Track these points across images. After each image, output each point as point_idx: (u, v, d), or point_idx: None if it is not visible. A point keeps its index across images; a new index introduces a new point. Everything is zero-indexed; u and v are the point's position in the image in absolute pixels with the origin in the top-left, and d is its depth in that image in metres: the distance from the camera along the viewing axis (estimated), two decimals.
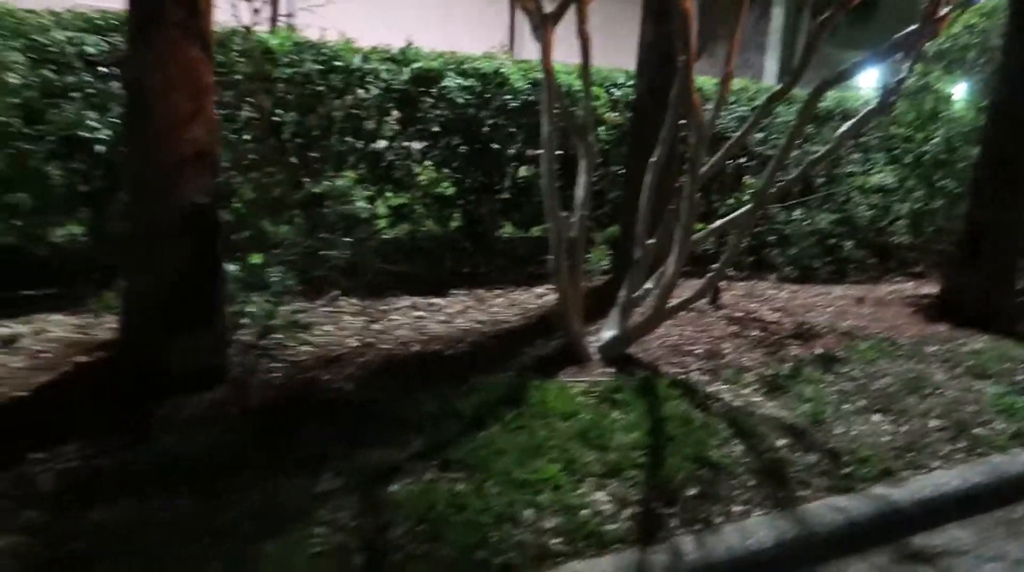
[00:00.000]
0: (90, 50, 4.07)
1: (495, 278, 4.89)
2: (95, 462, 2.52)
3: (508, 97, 5.27)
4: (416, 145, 5.06)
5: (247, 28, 3.99)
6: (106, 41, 4.10)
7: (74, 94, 4.04)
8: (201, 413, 2.88)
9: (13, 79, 3.87)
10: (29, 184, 3.94)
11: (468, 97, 5.10)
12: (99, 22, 4.17)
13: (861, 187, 6.10)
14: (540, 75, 5.23)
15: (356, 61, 4.75)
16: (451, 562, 2.20)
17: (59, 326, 3.45)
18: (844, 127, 3.67)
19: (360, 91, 4.77)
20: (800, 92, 4.48)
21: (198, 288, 3.05)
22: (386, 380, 3.31)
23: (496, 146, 5.31)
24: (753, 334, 4.29)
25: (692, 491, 2.67)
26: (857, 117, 3.63)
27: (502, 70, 5.29)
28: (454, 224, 5.32)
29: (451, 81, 5.05)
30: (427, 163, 5.01)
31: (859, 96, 6.99)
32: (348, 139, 4.72)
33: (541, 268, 4.60)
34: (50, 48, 4.01)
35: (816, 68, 3.49)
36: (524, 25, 8.55)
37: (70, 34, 4.06)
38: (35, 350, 3.19)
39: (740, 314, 4.64)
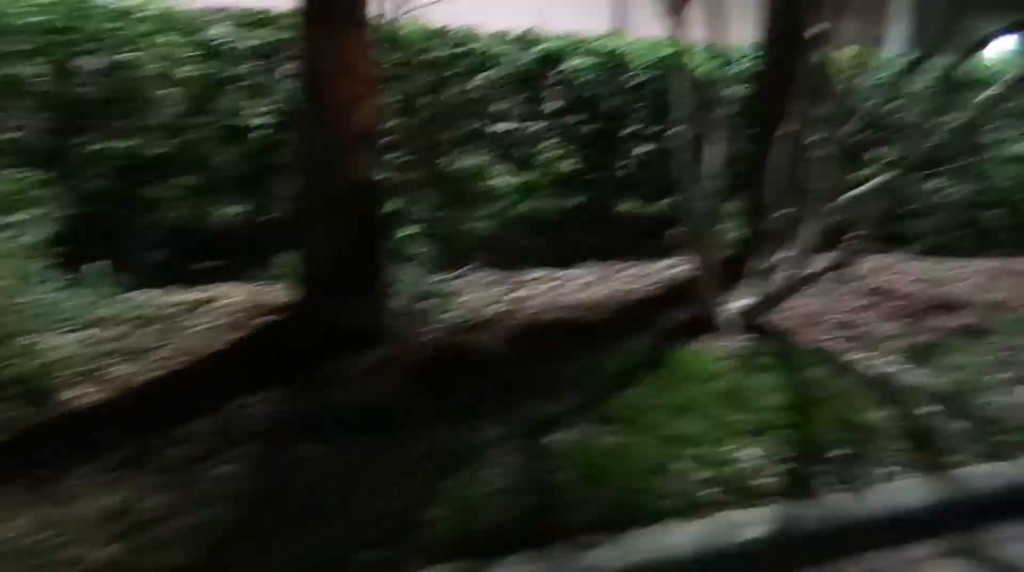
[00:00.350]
0: (248, 44, 4.45)
1: (618, 252, 5.00)
2: (285, 408, 2.85)
3: (627, 76, 5.35)
4: (538, 124, 5.23)
5: (395, 18, 4.26)
6: (261, 36, 4.47)
7: (234, 85, 4.45)
8: (368, 368, 3.15)
9: (184, 72, 4.29)
10: (198, 168, 4.38)
11: (588, 77, 5.22)
12: (255, 19, 4.55)
13: (1001, 156, 5.79)
14: (657, 55, 5.36)
15: (482, 45, 4.97)
16: (611, 506, 2.35)
17: (234, 293, 3.83)
18: (986, 94, 3.56)
19: (486, 74, 4.99)
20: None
21: (364, 257, 3.34)
22: (529, 344, 3.50)
23: (615, 124, 5.41)
24: (889, 305, 4.20)
25: (839, 451, 2.71)
26: (1001, 84, 3.51)
27: (621, 50, 5.38)
28: (576, 200, 5.46)
29: (572, 61, 5.18)
30: (549, 141, 5.17)
31: (987, 65, 6.61)
32: (477, 119, 4.95)
33: (662, 242, 4.68)
34: (214, 43, 4.42)
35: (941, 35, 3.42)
36: (628, 8, 8.52)
37: (230, 29, 4.46)
38: (221, 313, 3.58)
39: (874, 285, 4.55)
